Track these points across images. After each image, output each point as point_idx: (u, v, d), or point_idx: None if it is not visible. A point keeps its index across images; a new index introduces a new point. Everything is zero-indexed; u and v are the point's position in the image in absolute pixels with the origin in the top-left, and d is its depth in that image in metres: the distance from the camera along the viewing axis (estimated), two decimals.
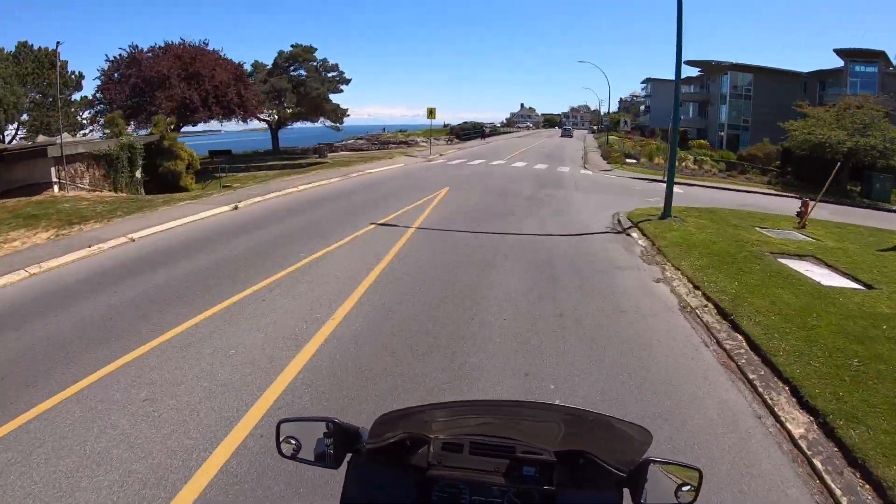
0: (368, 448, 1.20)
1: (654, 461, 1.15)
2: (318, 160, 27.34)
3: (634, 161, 27.64)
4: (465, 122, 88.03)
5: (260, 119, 34.30)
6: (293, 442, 1.24)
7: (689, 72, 51.18)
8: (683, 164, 25.60)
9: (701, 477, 1.15)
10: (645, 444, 1.17)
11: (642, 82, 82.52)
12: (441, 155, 28.28)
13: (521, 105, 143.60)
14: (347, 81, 37.92)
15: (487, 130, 69.21)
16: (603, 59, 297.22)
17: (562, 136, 78.87)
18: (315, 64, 36.03)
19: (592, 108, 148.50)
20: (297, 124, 37.98)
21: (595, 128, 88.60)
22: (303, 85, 34.30)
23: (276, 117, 36.04)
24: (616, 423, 1.23)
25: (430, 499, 1.15)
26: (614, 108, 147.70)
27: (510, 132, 77.83)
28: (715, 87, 48.41)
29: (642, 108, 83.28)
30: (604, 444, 1.19)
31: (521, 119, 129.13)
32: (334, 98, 37.05)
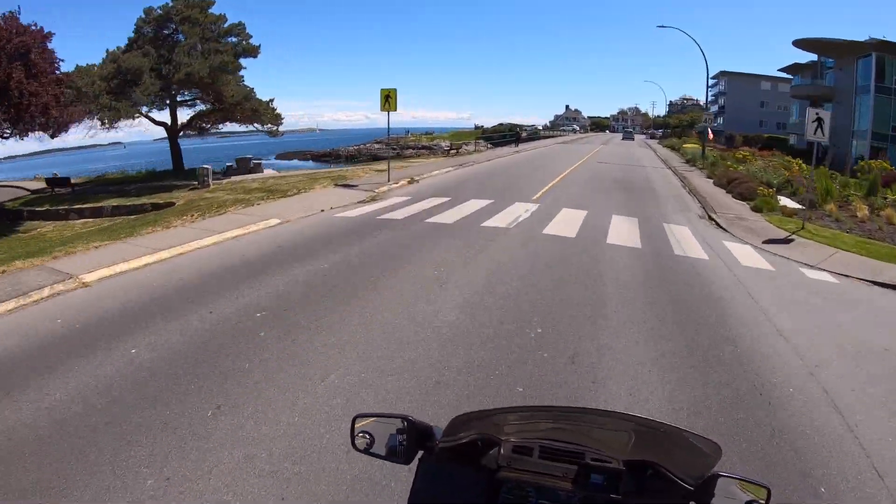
0: (441, 447, 1.21)
1: (724, 476, 1.09)
2: (170, 199, 14.30)
3: (797, 205, 13.07)
4: (502, 124, 77.35)
5: (156, 122, 22.18)
6: (366, 437, 1.25)
7: (794, 56, 38.37)
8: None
9: (769, 495, 1.10)
10: (714, 459, 1.14)
11: (713, 77, 69.01)
12: (413, 181, 16.30)
13: (566, 107, 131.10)
14: (254, 51, 22.27)
15: (525, 134, 58.01)
16: (651, 61, 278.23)
17: (623, 138, 68.71)
18: (201, 25, 20.39)
19: (643, 111, 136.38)
20: (234, 127, 24.20)
21: (655, 132, 76.23)
22: (169, 62, 19.25)
23: (172, 120, 22.67)
24: (687, 435, 1.22)
25: (497, 500, 1.15)
26: (661, 111, 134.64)
27: (553, 136, 65.47)
28: (845, 77, 35.45)
29: (713, 108, 69.34)
30: (673, 456, 1.17)
31: (566, 122, 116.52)
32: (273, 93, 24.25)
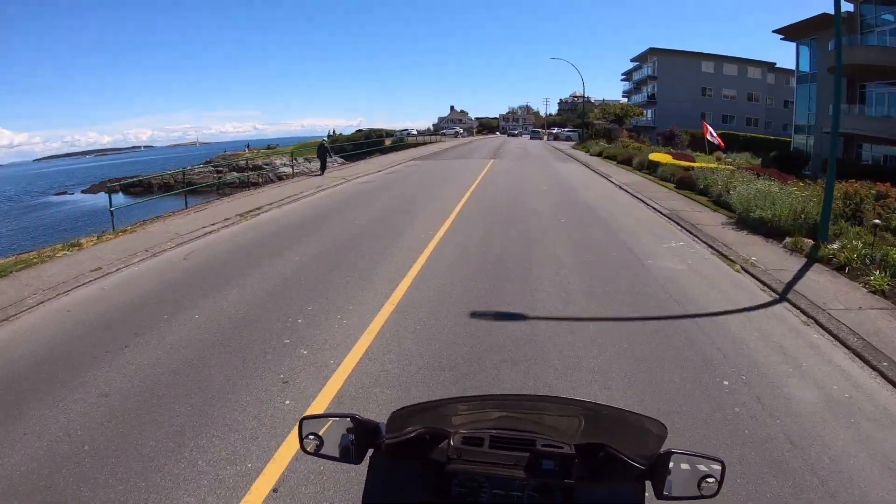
0: (388, 443, 1.19)
1: (676, 453, 1.12)
2: None
3: None
4: (360, 130, 62.85)
5: None
6: (314, 438, 1.23)
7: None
8: None
9: (724, 468, 1.13)
10: (661, 438, 1.15)
11: (634, 60, 57.64)
12: None
13: (451, 108, 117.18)
14: None
15: (389, 142, 42.17)
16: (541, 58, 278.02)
17: (531, 137, 60.15)
18: None
19: (534, 109, 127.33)
20: None
21: (560, 133, 62.98)
22: None
23: None
24: (631, 416, 1.21)
25: (449, 493, 1.15)
26: (553, 110, 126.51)
27: (429, 142, 49.13)
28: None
29: (637, 97, 57.28)
30: (622, 438, 1.17)
31: (449, 125, 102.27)
32: None
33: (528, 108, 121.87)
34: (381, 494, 1.20)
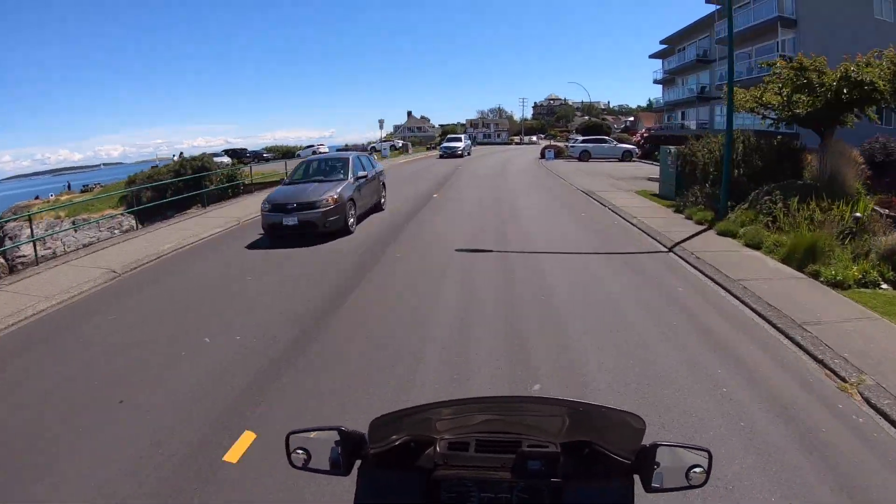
0: (373, 453, 1.20)
1: (662, 445, 1.13)
2: None
3: None
4: (204, 154, 42.51)
5: None
6: (302, 453, 1.24)
7: None
8: None
9: (711, 458, 1.14)
10: (640, 431, 1.15)
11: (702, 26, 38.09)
12: None
13: (409, 114, 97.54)
14: None
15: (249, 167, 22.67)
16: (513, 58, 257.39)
17: (542, 157, 33.88)
18: None
19: (508, 112, 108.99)
20: None
21: (571, 142, 37.55)
22: None
23: None
24: (608, 411, 1.19)
25: (439, 499, 1.15)
26: (528, 114, 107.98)
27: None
28: None
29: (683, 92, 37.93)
30: (605, 434, 1.19)
31: (410, 133, 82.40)
32: None
33: (500, 112, 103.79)
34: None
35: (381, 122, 43.00)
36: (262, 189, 18.38)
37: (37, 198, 29.42)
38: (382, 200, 13.56)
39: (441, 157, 34.40)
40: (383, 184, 13.81)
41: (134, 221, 18.42)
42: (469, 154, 36.45)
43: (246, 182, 21.00)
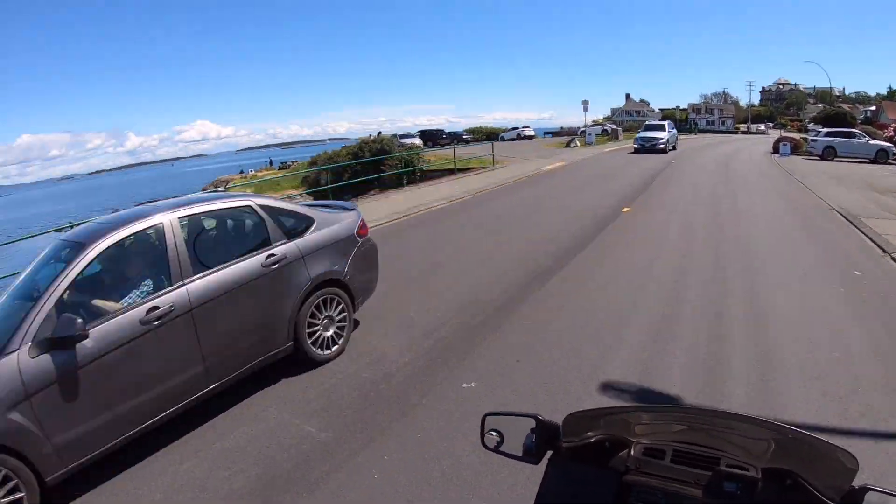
0: (566, 446, 1.18)
1: (872, 489, 0.95)
2: None
3: None
4: (424, 129, 40.45)
5: None
6: (495, 434, 1.23)
7: None
8: None
9: None
10: (852, 471, 1.00)
11: None
12: None
13: (627, 96, 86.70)
14: None
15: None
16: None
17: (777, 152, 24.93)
18: None
19: (733, 97, 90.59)
20: None
21: (839, 134, 24.27)
22: None
23: None
24: (821, 444, 1.04)
25: (626, 503, 1.11)
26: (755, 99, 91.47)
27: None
28: None
29: None
30: (811, 467, 1.04)
31: (627, 117, 72.66)
32: None
33: (725, 97, 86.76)
34: (557, 497, 1.19)
35: (585, 104, 36.06)
36: (431, 180, 14.36)
37: (241, 172, 30.86)
38: None
39: (636, 151, 25.78)
40: None
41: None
42: (674, 148, 27.28)
43: (424, 168, 17.71)
